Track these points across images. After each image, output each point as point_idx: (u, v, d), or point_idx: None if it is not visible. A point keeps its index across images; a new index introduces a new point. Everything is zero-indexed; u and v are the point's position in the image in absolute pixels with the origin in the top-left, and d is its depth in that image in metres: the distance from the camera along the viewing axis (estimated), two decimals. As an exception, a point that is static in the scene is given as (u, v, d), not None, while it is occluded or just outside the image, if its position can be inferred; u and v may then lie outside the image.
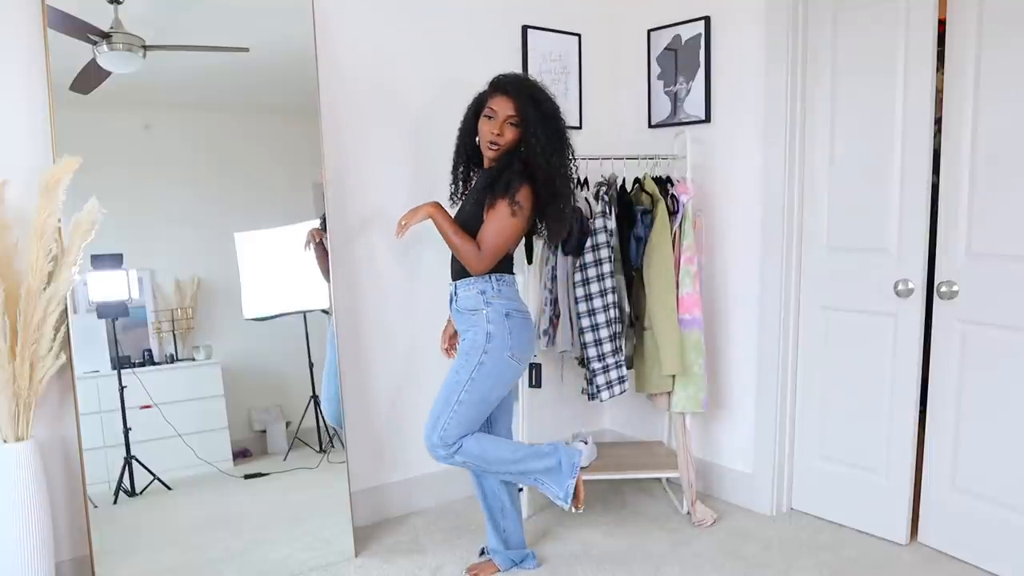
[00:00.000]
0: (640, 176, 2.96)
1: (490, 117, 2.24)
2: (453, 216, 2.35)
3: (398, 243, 2.92)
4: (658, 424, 3.42)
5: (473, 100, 2.36)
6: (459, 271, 2.33)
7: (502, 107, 2.23)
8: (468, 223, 2.28)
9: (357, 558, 2.65)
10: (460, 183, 2.45)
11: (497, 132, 2.23)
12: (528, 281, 2.91)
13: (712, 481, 3.17)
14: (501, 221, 2.22)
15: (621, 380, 2.91)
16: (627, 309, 2.98)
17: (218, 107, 2.53)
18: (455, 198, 2.46)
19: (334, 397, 2.69)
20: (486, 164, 2.34)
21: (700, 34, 3.04)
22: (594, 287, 2.84)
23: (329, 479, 2.67)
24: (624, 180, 2.96)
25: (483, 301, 2.29)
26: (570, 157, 2.29)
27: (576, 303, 2.86)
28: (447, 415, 2.26)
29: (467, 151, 2.39)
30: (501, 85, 2.26)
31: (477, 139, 2.33)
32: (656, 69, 3.25)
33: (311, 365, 2.71)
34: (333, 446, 2.72)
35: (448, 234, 2.25)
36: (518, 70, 3.16)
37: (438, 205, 2.28)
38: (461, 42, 3.02)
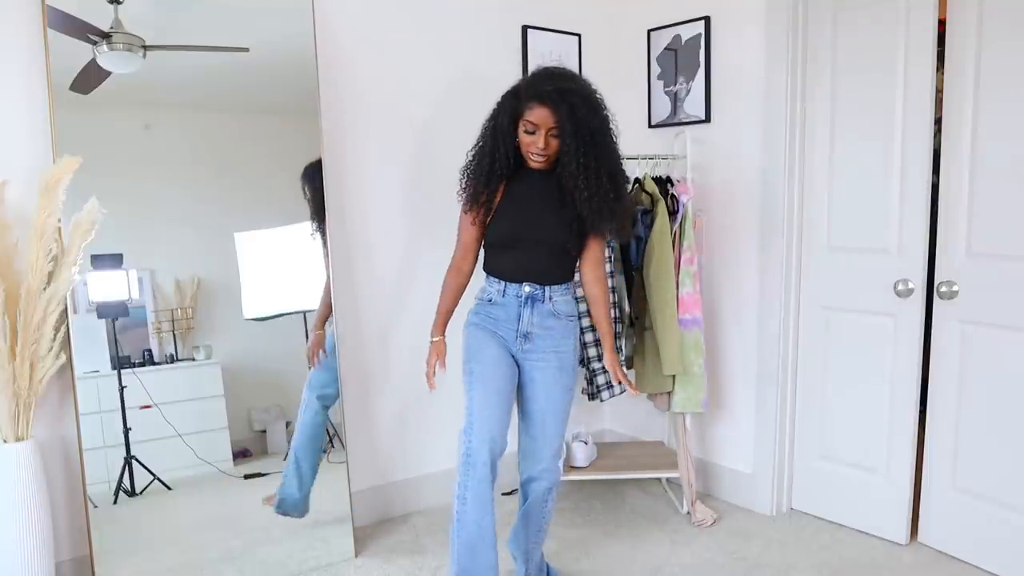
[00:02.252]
0: (640, 176, 2.96)
1: (531, 132, 2.06)
2: (504, 219, 2.17)
3: (398, 242, 2.92)
4: (658, 424, 3.42)
5: (506, 101, 2.11)
6: (554, 275, 2.20)
7: (543, 120, 2.02)
8: (556, 233, 2.14)
9: (357, 558, 2.65)
10: (492, 190, 2.16)
11: (543, 146, 2.05)
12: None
13: (712, 481, 3.17)
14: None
15: (621, 380, 2.91)
16: (627, 309, 2.98)
17: (218, 107, 2.52)
18: (482, 203, 2.16)
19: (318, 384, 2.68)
20: (532, 165, 2.16)
21: (700, 34, 3.04)
22: (594, 287, 2.84)
23: (329, 479, 2.67)
24: (624, 180, 2.96)
25: (576, 306, 2.27)
26: (617, 160, 2.12)
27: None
28: (563, 442, 2.30)
29: (509, 156, 2.12)
30: (539, 95, 2.03)
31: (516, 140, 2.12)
32: (656, 69, 3.25)
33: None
34: (333, 446, 2.72)
35: (610, 330, 2.32)
36: (518, 70, 3.16)
37: (610, 349, 2.29)
38: (461, 42, 3.02)
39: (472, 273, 2.30)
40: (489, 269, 2.25)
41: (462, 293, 2.32)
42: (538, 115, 2.03)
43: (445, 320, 2.29)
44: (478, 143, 2.18)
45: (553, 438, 2.24)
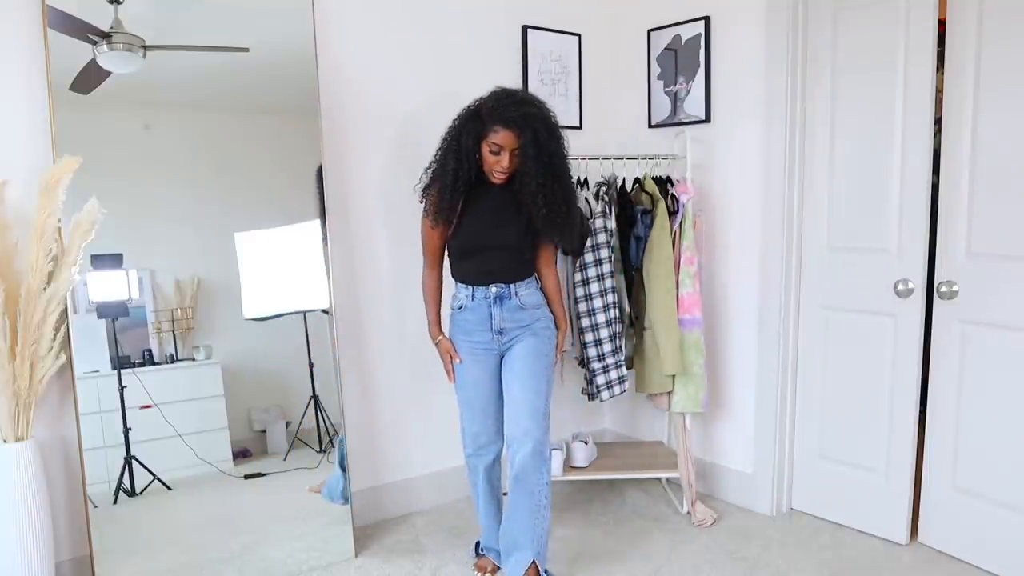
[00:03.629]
0: (640, 176, 2.96)
1: (495, 153, 2.19)
2: (466, 230, 2.30)
3: (398, 242, 2.92)
4: (658, 424, 3.42)
5: (468, 123, 2.21)
6: (516, 272, 2.35)
7: (508, 142, 2.17)
8: (513, 240, 2.30)
9: (357, 558, 2.65)
10: (455, 205, 2.27)
11: (506, 165, 2.20)
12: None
13: (712, 481, 3.17)
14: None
15: (621, 380, 2.91)
16: (627, 309, 2.98)
17: (218, 107, 2.52)
18: (447, 217, 2.27)
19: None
20: (494, 180, 2.28)
21: (700, 34, 3.04)
22: (594, 287, 2.85)
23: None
24: (624, 180, 2.96)
25: (542, 296, 2.41)
26: (567, 182, 2.30)
27: (576, 303, 2.86)
28: (546, 407, 2.34)
29: (471, 173, 2.24)
30: (505, 120, 2.15)
31: (478, 156, 2.23)
32: (656, 69, 3.25)
33: (311, 365, 2.71)
34: (333, 446, 2.72)
35: (564, 312, 2.52)
36: (518, 70, 3.17)
37: (562, 331, 2.49)
38: (461, 42, 3.02)
39: (442, 269, 2.45)
40: (457, 276, 2.40)
41: (442, 289, 2.46)
42: (503, 138, 2.17)
43: (438, 321, 2.45)
44: (440, 161, 2.28)
45: (533, 397, 2.31)
